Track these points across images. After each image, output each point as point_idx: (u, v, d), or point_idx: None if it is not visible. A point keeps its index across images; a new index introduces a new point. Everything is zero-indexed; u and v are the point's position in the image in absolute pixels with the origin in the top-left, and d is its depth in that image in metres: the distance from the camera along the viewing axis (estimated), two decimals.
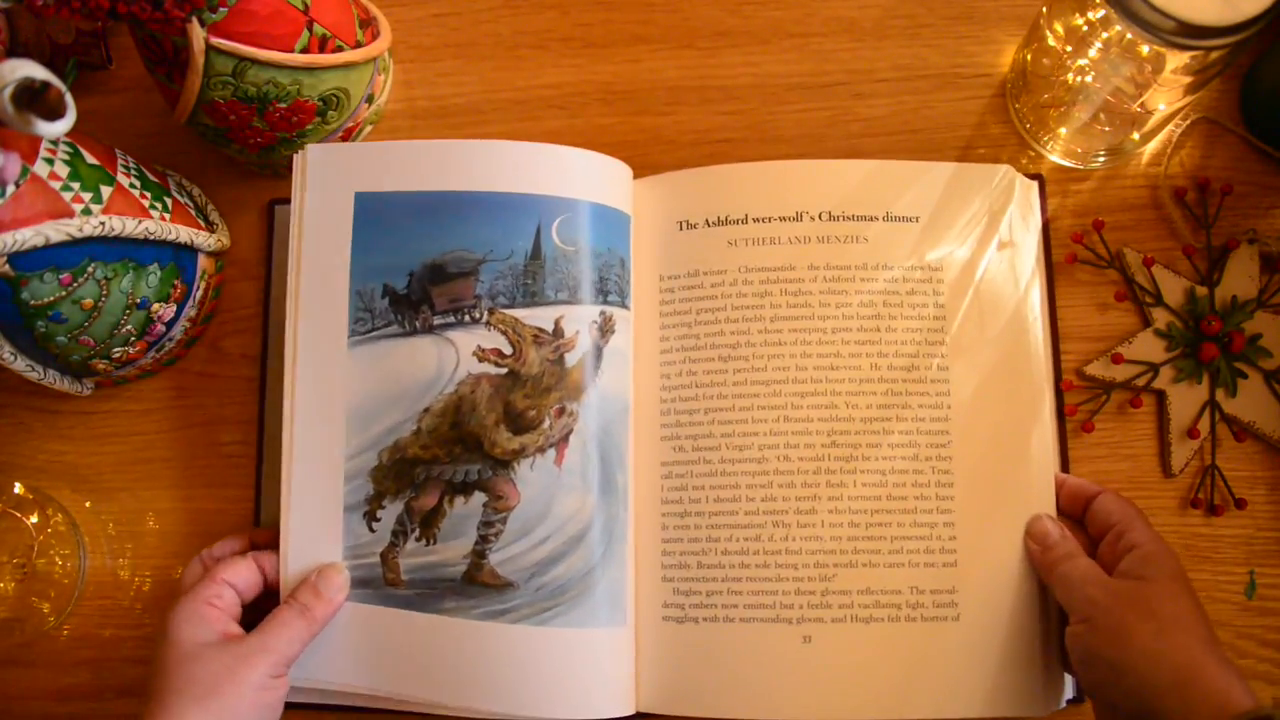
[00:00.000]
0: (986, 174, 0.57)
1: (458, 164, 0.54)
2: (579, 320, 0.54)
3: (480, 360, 0.53)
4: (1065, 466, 0.56)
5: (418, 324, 0.54)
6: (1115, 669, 0.45)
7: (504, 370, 0.53)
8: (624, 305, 0.55)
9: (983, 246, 0.56)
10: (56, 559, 0.58)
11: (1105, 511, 0.51)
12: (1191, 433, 0.56)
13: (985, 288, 0.55)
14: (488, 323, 0.53)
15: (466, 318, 0.54)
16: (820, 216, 0.56)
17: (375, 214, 0.54)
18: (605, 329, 0.54)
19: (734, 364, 0.54)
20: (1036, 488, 0.53)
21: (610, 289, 0.55)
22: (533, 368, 0.53)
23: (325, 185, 0.55)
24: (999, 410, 0.54)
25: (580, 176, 0.55)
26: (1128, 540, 0.49)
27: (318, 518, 0.53)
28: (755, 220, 0.56)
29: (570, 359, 0.53)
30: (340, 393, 0.53)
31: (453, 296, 0.54)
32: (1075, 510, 0.53)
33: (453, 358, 0.53)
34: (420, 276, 0.54)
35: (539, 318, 0.53)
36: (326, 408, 0.53)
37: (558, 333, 0.53)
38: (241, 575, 0.51)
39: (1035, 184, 0.58)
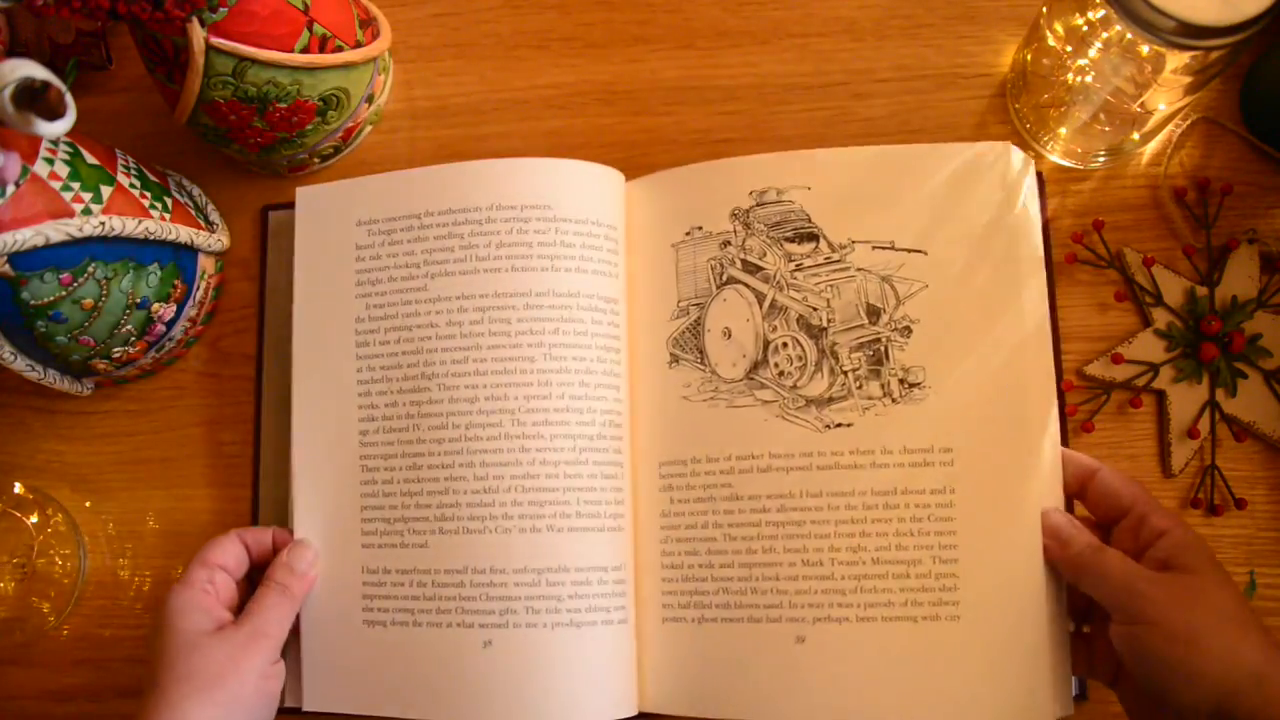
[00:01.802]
0: (970, 152, 0.55)
1: (443, 187, 0.55)
2: None
3: None
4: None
5: None
6: (1187, 672, 0.42)
7: None
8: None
9: (980, 228, 0.55)
10: (56, 559, 0.58)
11: (1111, 492, 0.48)
12: (1191, 433, 0.56)
13: (981, 276, 0.54)
14: None
15: None
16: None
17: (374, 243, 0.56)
18: None
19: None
20: (1040, 479, 0.50)
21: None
22: None
23: (321, 221, 0.57)
24: (1002, 402, 0.52)
25: (565, 186, 0.55)
26: (1152, 526, 0.46)
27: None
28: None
29: None
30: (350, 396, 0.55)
31: None
32: (1075, 489, 0.50)
33: None
34: None
35: None
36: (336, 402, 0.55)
37: None
38: (231, 554, 0.51)
39: (1032, 163, 0.57)
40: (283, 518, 0.55)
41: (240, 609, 0.50)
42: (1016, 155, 0.54)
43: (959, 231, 0.54)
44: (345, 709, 0.53)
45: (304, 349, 0.56)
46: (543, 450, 0.52)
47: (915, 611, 0.51)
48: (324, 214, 0.57)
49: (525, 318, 0.53)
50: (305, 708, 0.53)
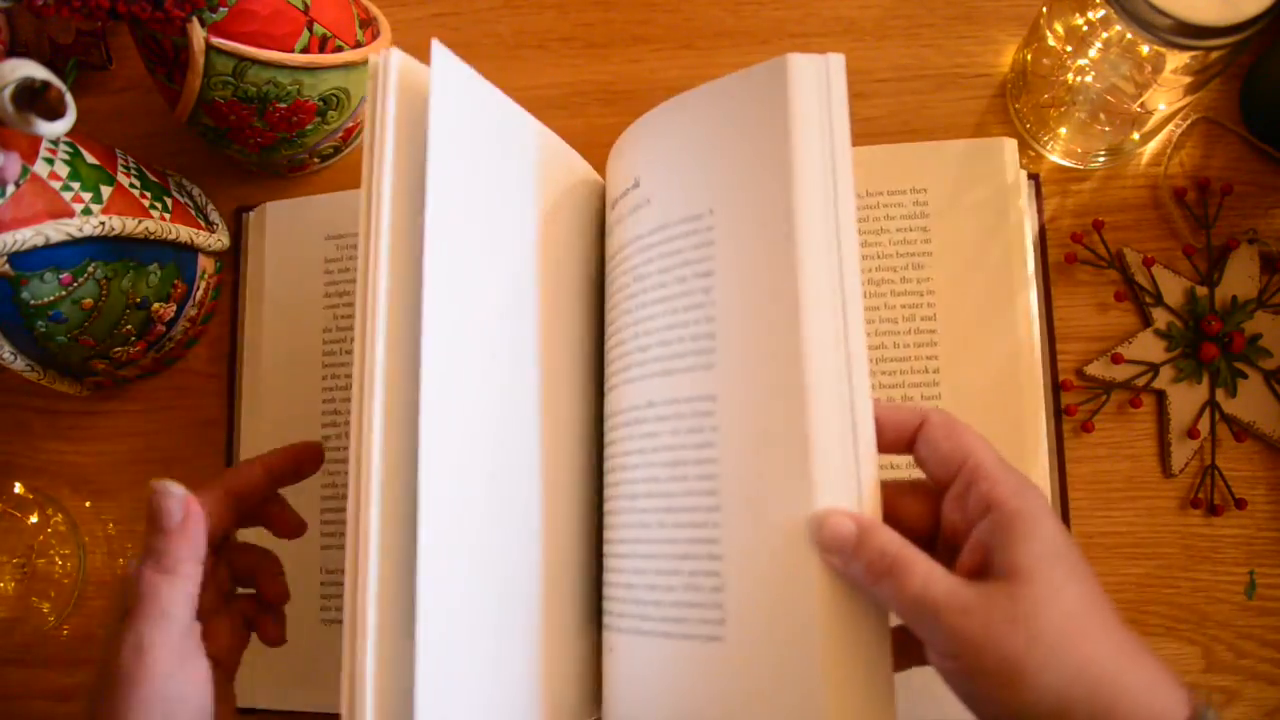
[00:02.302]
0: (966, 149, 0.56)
1: None
2: None
3: None
4: (1064, 466, 0.56)
5: None
6: (1014, 707, 0.33)
7: None
8: None
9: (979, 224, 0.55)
10: (56, 559, 0.58)
11: (934, 445, 0.38)
12: (1191, 433, 0.56)
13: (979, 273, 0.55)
14: None
15: None
16: None
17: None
18: None
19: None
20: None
21: None
22: None
23: (289, 235, 0.58)
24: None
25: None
26: (979, 494, 0.36)
27: None
28: None
29: None
30: None
31: None
32: (902, 445, 0.39)
33: None
34: None
35: None
36: None
37: None
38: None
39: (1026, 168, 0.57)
40: None
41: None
42: (1011, 155, 0.55)
43: (957, 232, 0.54)
44: (302, 706, 0.54)
45: (273, 354, 0.58)
46: None
47: (676, 629, 0.40)
48: (292, 229, 0.59)
49: None
50: (259, 706, 0.54)
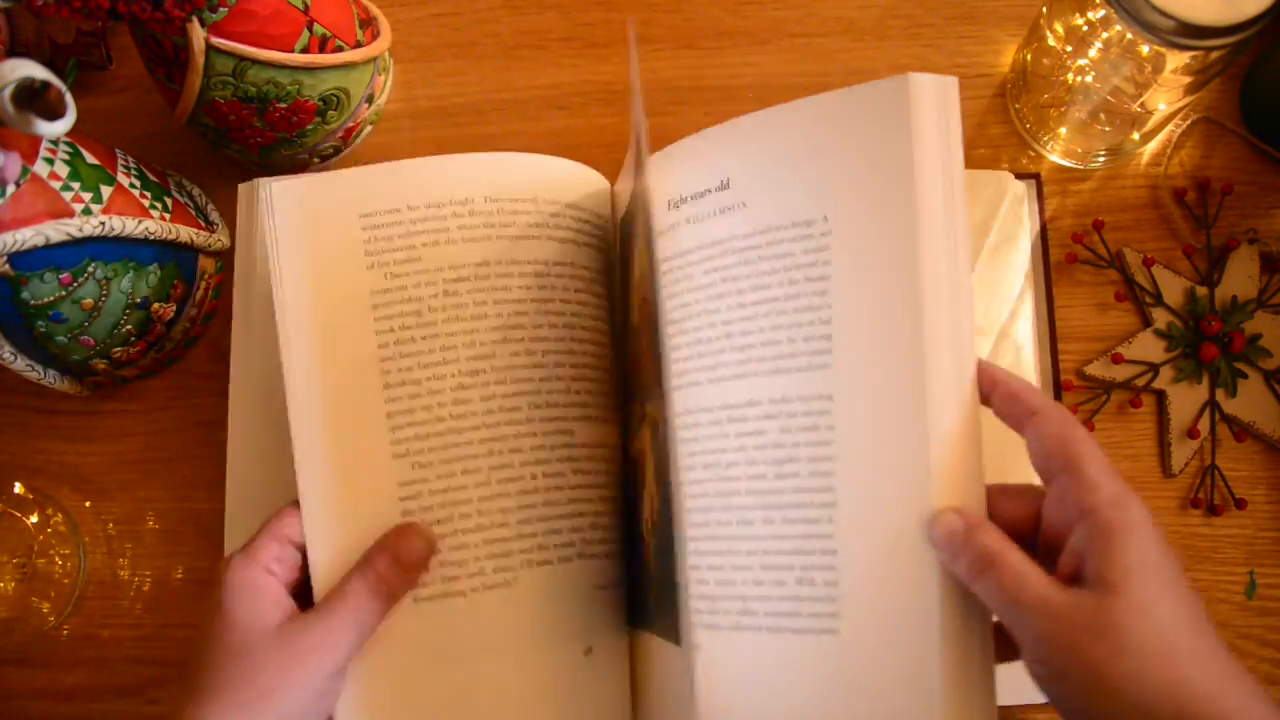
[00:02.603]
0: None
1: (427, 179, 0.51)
2: None
3: None
4: None
5: None
6: (1107, 716, 0.33)
7: None
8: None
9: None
10: (56, 559, 0.58)
11: (1041, 440, 0.37)
12: (1191, 433, 0.56)
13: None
14: None
15: None
16: None
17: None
18: None
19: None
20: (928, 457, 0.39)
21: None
22: None
23: (311, 215, 0.50)
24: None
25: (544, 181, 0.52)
26: (1075, 500, 0.36)
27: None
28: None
29: None
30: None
31: None
32: (1016, 421, 0.39)
33: None
34: None
35: None
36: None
37: None
38: (300, 532, 0.43)
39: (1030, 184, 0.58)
40: (257, 513, 0.48)
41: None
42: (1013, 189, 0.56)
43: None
44: None
45: (302, 373, 0.47)
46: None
47: (788, 623, 0.42)
48: (312, 209, 0.51)
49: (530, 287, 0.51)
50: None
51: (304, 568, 0.43)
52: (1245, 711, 0.32)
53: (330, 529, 0.44)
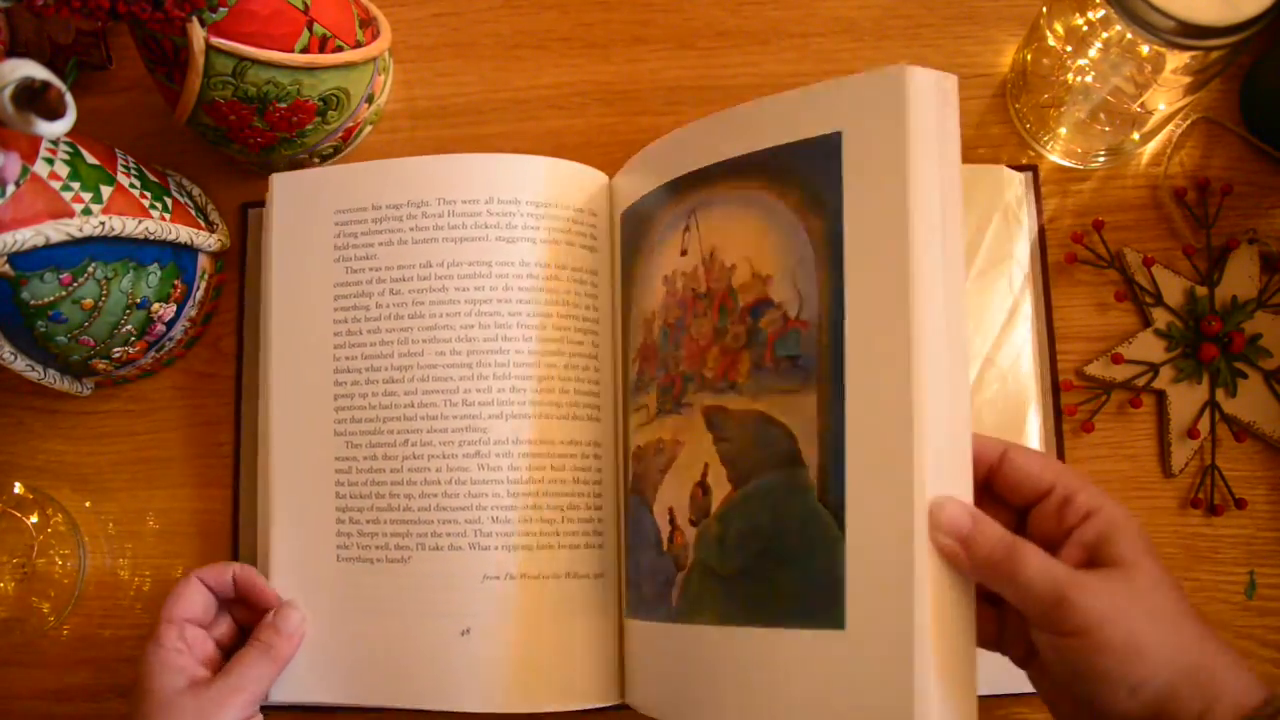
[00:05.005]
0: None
1: (422, 178, 0.55)
2: None
3: None
4: None
5: None
6: (1130, 684, 0.36)
7: None
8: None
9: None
10: (56, 559, 0.58)
11: (1024, 473, 0.41)
12: (1191, 433, 0.56)
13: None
14: None
15: None
16: None
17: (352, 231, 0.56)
18: None
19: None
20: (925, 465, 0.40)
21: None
22: None
23: (300, 207, 0.56)
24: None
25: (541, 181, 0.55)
26: (1079, 506, 0.39)
27: (306, 520, 0.54)
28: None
29: None
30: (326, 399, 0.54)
31: None
32: (980, 477, 0.41)
33: None
34: None
35: None
36: (313, 413, 0.54)
37: None
38: (196, 604, 0.51)
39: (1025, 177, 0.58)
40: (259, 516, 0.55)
41: (229, 648, 0.52)
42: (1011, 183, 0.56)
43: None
44: (317, 699, 0.53)
45: (280, 345, 0.56)
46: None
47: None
48: (301, 202, 0.56)
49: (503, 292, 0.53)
50: (272, 700, 0.53)
51: (218, 629, 0.52)
52: (1235, 669, 0.37)
53: (286, 476, 0.54)
